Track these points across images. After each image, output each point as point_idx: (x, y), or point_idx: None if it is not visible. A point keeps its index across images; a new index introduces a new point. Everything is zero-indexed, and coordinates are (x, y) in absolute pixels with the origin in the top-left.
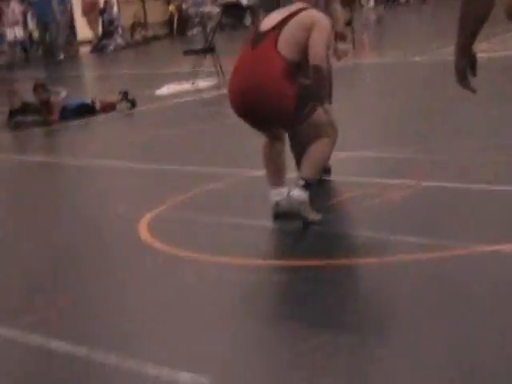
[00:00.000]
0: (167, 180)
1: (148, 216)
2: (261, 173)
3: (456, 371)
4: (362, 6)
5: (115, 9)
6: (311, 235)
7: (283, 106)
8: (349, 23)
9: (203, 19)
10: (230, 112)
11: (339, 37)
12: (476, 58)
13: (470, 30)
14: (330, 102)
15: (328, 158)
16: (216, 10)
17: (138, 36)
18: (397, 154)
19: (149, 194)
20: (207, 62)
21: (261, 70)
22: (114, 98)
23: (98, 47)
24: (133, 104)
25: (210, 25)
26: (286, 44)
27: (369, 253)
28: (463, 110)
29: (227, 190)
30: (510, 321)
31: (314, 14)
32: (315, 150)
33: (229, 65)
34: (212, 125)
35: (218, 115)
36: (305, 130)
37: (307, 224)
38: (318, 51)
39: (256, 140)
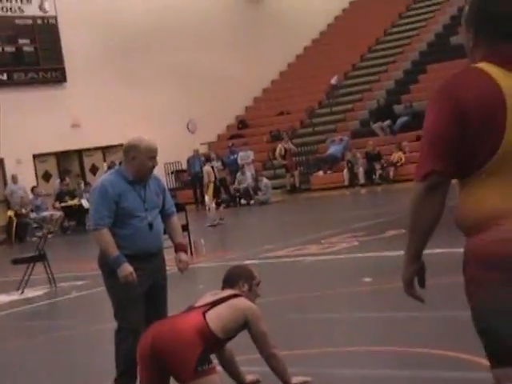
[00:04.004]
0: None
1: None
2: None
3: None
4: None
5: None
6: None
7: (185, 355)
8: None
9: (43, 224)
10: (63, 323)
11: (180, 248)
12: (424, 267)
13: (420, 239)
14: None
15: None
16: (58, 214)
17: None
18: None
19: None
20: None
21: (178, 319)
22: None
23: None
24: None
25: (46, 229)
26: (215, 316)
27: None
28: None
29: None
30: None
31: (246, 303)
32: None
33: (62, 271)
34: (38, 340)
35: (48, 328)
36: None
37: None
38: (265, 341)
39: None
